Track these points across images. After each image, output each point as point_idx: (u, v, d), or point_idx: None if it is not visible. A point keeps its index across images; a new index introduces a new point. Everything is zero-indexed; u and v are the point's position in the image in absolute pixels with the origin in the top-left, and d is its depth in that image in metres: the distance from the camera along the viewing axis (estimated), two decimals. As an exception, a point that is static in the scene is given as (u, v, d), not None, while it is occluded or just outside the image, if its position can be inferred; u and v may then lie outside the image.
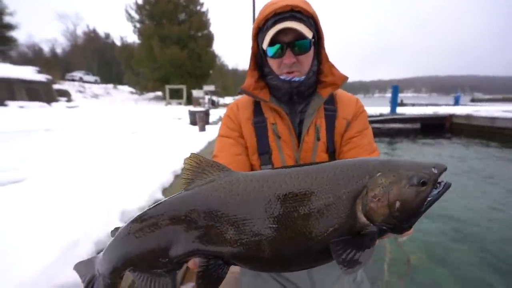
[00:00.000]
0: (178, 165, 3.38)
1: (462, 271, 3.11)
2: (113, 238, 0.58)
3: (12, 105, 15.84)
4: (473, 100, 35.82)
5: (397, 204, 0.46)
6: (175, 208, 0.52)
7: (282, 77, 1.00)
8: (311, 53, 0.98)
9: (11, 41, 30.64)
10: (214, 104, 27.27)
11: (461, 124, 13.64)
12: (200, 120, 7.45)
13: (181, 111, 16.23)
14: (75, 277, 0.65)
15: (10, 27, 29.18)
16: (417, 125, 15.11)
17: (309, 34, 0.91)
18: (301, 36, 0.92)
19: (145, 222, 0.53)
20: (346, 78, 1.04)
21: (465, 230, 4.03)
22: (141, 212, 0.55)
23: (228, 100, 36.49)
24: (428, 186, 0.47)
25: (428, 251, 3.52)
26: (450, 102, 27.05)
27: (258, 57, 1.08)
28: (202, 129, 7.51)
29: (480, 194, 5.41)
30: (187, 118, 10.41)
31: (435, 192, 0.49)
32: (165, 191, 2.67)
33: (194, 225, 0.50)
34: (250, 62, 1.09)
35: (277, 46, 0.94)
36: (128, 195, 2.18)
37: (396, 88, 16.67)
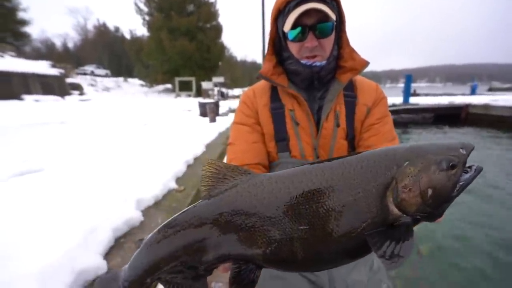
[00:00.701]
0: (190, 155, 3.41)
1: (473, 263, 3.06)
2: (139, 248, 0.56)
3: (28, 98, 16.29)
4: (490, 89, 34.42)
5: (429, 191, 0.45)
6: (202, 214, 0.51)
7: (303, 61, 0.97)
8: (332, 37, 0.95)
9: (25, 37, 31.38)
10: (223, 96, 27.29)
11: (478, 114, 13.07)
12: (210, 111, 7.47)
13: (190, 103, 16.33)
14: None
15: (23, 22, 29.84)
16: (431, 116, 14.71)
17: (332, 16, 0.88)
18: (324, 18, 0.88)
19: (173, 229, 0.52)
20: (367, 63, 1.01)
21: (479, 222, 3.95)
22: (167, 220, 0.54)
23: (237, 91, 36.42)
24: (458, 168, 0.46)
25: (440, 242, 3.48)
26: (466, 91, 26.08)
27: (277, 41, 1.04)
28: (213, 120, 7.54)
29: (497, 186, 5.26)
30: (197, 110, 10.45)
31: (466, 176, 0.47)
32: (178, 180, 2.71)
33: (223, 229, 0.49)
34: (268, 47, 1.06)
35: (299, 29, 0.91)
36: (142, 184, 2.22)
37: (409, 77, 16.16)
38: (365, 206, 0.46)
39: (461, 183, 0.47)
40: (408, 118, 14.40)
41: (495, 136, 10.41)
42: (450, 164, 0.45)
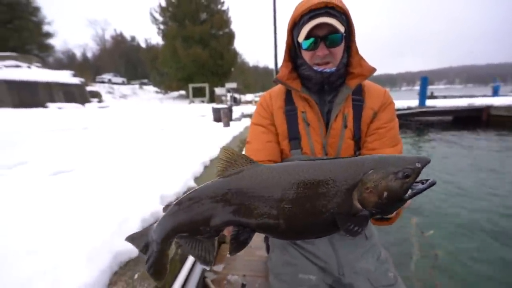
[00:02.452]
0: (207, 157, 3.56)
1: (490, 266, 3.01)
2: (165, 212, 0.73)
3: (52, 106, 17.18)
4: (514, 90, 32.79)
5: (385, 194, 0.59)
6: (215, 190, 0.67)
7: (315, 68, 1.07)
8: (342, 46, 1.05)
9: (49, 48, 33.16)
10: (236, 101, 27.56)
11: (500, 116, 12.41)
12: (224, 116, 7.65)
13: (204, 109, 16.65)
14: (128, 245, 0.81)
15: (48, 35, 31.59)
16: (449, 118, 14.23)
17: (341, 28, 0.99)
18: (334, 30, 0.99)
19: (191, 200, 0.68)
20: (374, 69, 1.10)
21: (496, 225, 3.85)
22: (187, 193, 0.71)
23: (249, 97, 36.66)
24: (411, 177, 0.60)
25: (456, 245, 3.43)
26: (487, 93, 24.98)
27: (292, 50, 1.16)
28: (227, 124, 7.71)
29: None
30: (210, 115, 10.67)
31: (420, 186, 0.61)
32: (196, 179, 2.86)
33: (229, 203, 0.65)
34: (285, 54, 1.17)
35: (312, 39, 1.02)
36: (165, 183, 2.37)
37: (425, 79, 15.71)
38: (335, 199, 0.61)
39: (414, 191, 0.61)
40: (425, 121, 13.99)
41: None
42: (405, 174, 0.59)
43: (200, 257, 0.68)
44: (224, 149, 0.69)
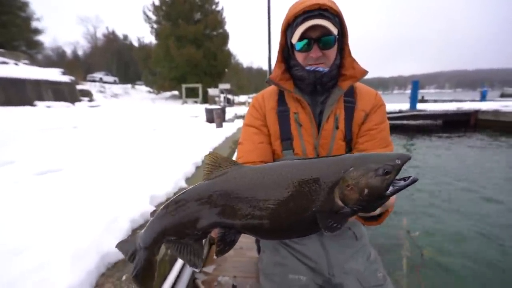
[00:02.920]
0: (198, 157, 3.54)
1: (477, 265, 3.09)
2: (152, 217, 0.73)
3: (40, 105, 16.77)
4: (502, 95, 33.70)
5: (366, 191, 0.60)
6: (200, 193, 0.67)
7: (307, 67, 1.07)
8: (335, 48, 1.06)
9: (38, 45, 32.43)
10: (229, 102, 27.52)
11: (488, 120, 12.88)
12: (217, 116, 7.64)
13: (197, 109, 16.57)
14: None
15: (37, 31, 30.90)
16: (438, 122, 14.54)
17: (334, 30, 0.99)
18: (327, 32, 0.99)
19: (178, 203, 0.68)
20: (366, 72, 1.11)
21: (482, 226, 3.96)
22: (174, 197, 0.70)
23: (243, 98, 36.68)
24: (392, 174, 0.60)
25: (443, 245, 3.50)
26: (476, 97, 25.66)
27: (285, 51, 1.16)
28: (220, 125, 7.69)
29: (504, 194, 5.23)
30: (203, 116, 10.63)
31: (402, 183, 0.61)
32: (188, 180, 2.84)
33: (214, 204, 0.65)
34: (278, 55, 1.17)
35: (305, 41, 1.02)
36: (155, 183, 2.35)
37: (416, 83, 16.06)
38: (317, 197, 0.61)
39: (395, 187, 0.61)
40: (416, 125, 14.27)
41: (505, 142, 10.27)
42: (385, 171, 0.59)
43: (189, 261, 0.68)
44: (209, 154, 0.70)
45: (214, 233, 0.68)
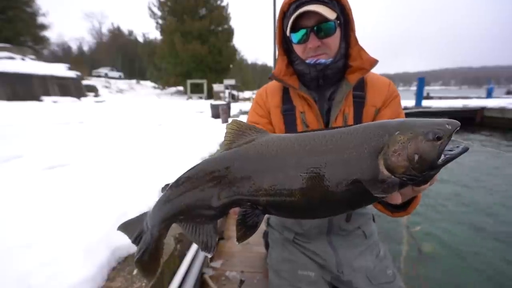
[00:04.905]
0: (205, 152, 3.56)
1: (476, 260, 3.08)
2: (163, 193, 0.65)
3: (47, 100, 16.94)
4: (509, 93, 33.18)
5: (416, 157, 0.51)
6: (216, 164, 0.59)
7: (307, 61, 0.99)
8: (337, 35, 0.96)
9: (44, 40, 32.62)
10: (234, 98, 27.47)
11: (494, 117, 12.71)
12: (223, 112, 7.65)
13: (202, 105, 16.57)
14: (127, 240, 0.76)
15: (43, 27, 31.07)
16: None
17: (331, 15, 0.89)
18: (323, 19, 0.90)
19: (190, 178, 0.61)
20: (376, 61, 1.00)
21: (482, 223, 3.94)
22: (188, 170, 0.62)
23: (247, 94, 36.58)
24: (443, 139, 0.52)
25: (443, 241, 3.49)
26: (482, 95, 25.28)
27: (284, 42, 1.07)
28: (225, 121, 7.71)
29: (507, 192, 5.18)
30: (208, 112, 10.63)
31: (454, 151, 0.53)
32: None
33: (234, 177, 0.57)
34: (278, 48, 1.08)
35: (301, 31, 0.93)
36: (163, 177, 2.36)
37: (421, 80, 15.85)
38: (357, 165, 0.52)
39: (447, 156, 0.53)
40: (421, 121, 14.15)
41: (511, 140, 10.14)
42: (436, 136, 0.51)
43: (201, 243, 0.60)
44: (231, 122, 0.63)
45: (234, 212, 0.61)
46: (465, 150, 0.53)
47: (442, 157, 0.52)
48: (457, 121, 0.55)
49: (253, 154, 0.57)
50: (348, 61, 1.03)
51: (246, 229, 0.56)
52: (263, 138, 0.60)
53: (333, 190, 0.53)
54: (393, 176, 0.52)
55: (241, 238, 0.56)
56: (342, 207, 0.58)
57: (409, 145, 0.51)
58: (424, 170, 0.52)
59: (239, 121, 0.63)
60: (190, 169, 0.62)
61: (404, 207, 0.85)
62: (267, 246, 1.41)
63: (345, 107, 1.02)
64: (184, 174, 0.63)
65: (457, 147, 0.54)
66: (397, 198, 0.58)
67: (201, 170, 0.60)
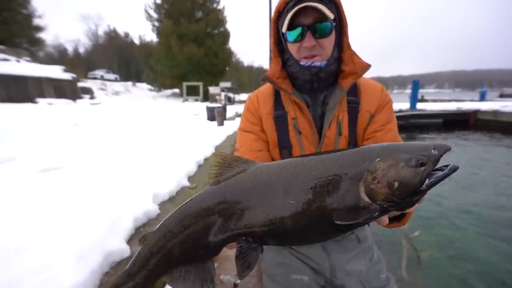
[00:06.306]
0: (200, 156, 3.55)
1: (476, 266, 3.09)
2: (142, 246, 0.57)
3: (42, 102, 16.78)
4: (501, 96, 33.67)
5: (396, 184, 0.51)
6: (209, 199, 0.57)
7: (302, 62, 0.96)
8: (332, 37, 0.94)
9: (40, 42, 32.35)
10: (230, 101, 27.48)
11: (487, 120, 12.90)
12: (219, 115, 7.63)
13: (198, 107, 16.54)
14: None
15: (39, 29, 30.81)
16: (438, 122, 14.56)
17: (330, 15, 0.87)
18: (322, 18, 0.88)
19: (181, 219, 0.57)
20: (368, 66, 0.98)
21: (480, 227, 3.96)
22: (173, 211, 0.59)
23: (243, 96, 36.63)
24: (427, 166, 0.51)
25: (441, 248, 3.51)
26: (475, 98, 25.63)
27: (279, 43, 1.04)
28: (221, 123, 7.69)
29: (504, 194, 5.24)
30: (204, 114, 10.60)
31: (439, 173, 0.52)
32: (190, 178, 2.84)
33: (228, 211, 0.56)
34: (273, 49, 1.05)
35: (298, 29, 0.91)
36: (158, 181, 2.36)
37: (416, 83, 15.97)
38: (340, 192, 0.53)
39: (432, 180, 0.52)
40: (416, 124, 14.28)
41: (504, 142, 10.27)
42: (419, 162, 0.51)
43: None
44: (215, 155, 0.62)
45: (230, 246, 0.58)
46: (454, 170, 0.52)
47: (427, 181, 0.52)
48: (447, 145, 0.54)
49: (244, 186, 0.57)
50: (341, 66, 1.01)
51: (246, 264, 0.55)
52: (251, 168, 0.60)
53: (320, 214, 0.53)
54: (374, 204, 0.52)
55: (242, 273, 0.54)
56: (333, 232, 0.58)
57: (389, 173, 0.51)
58: (405, 197, 0.52)
59: (223, 153, 0.62)
60: (178, 208, 0.58)
61: (398, 219, 0.85)
62: (261, 250, 1.40)
63: (339, 112, 1.00)
64: (166, 220, 0.58)
65: (446, 166, 0.53)
66: (384, 220, 0.57)
67: (190, 209, 0.57)
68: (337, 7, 0.93)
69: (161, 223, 0.58)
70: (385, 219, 0.57)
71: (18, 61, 20.14)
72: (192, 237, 0.56)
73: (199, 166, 3.36)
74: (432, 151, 0.52)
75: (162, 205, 2.11)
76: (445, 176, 0.52)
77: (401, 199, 0.52)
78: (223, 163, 0.61)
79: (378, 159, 0.53)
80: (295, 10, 0.87)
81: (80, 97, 21.67)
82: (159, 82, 37.52)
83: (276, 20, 0.99)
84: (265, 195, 0.56)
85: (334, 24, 0.92)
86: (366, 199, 0.52)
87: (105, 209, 1.67)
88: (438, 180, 0.52)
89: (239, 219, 0.55)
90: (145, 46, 42.22)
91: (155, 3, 35.42)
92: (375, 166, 0.52)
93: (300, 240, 0.62)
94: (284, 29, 0.92)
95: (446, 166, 0.53)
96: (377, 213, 0.52)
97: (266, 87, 1.13)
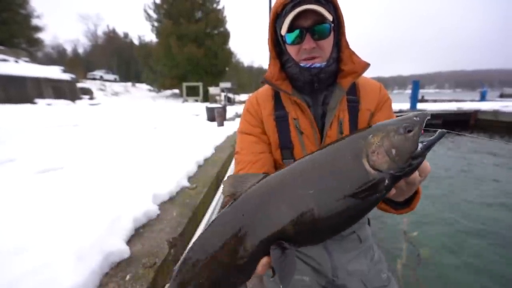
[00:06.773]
0: (200, 156, 3.54)
1: (474, 265, 3.10)
2: (174, 279, 0.57)
3: (41, 102, 16.72)
4: (502, 96, 33.64)
5: (393, 151, 0.57)
6: (233, 214, 0.58)
7: (302, 64, 0.96)
8: (331, 38, 0.94)
9: (38, 43, 32.31)
10: (230, 101, 27.49)
11: (487, 120, 12.90)
12: (219, 115, 7.62)
13: (198, 108, 16.53)
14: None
15: (37, 29, 30.78)
16: (438, 122, 14.58)
17: (329, 17, 0.88)
18: (321, 19, 0.88)
19: (210, 240, 0.58)
20: (367, 65, 0.99)
21: (478, 226, 3.97)
22: (200, 233, 0.62)
23: (243, 97, 36.67)
24: (415, 130, 0.58)
25: (441, 246, 3.51)
26: (475, 98, 25.65)
27: (277, 45, 1.04)
28: (221, 124, 7.68)
29: (500, 192, 5.24)
30: (204, 115, 10.60)
31: (430, 138, 0.58)
32: (190, 179, 2.83)
33: (253, 219, 0.56)
34: (271, 51, 1.05)
35: (296, 32, 0.91)
36: (158, 181, 2.35)
37: (416, 83, 15.98)
38: (350, 173, 0.58)
39: (425, 143, 0.58)
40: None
41: (507, 140, 10.29)
42: (407, 129, 0.58)
43: None
44: (228, 177, 0.64)
45: (262, 266, 0.56)
46: (442, 135, 0.58)
47: (420, 145, 0.58)
48: (426, 112, 0.61)
49: (262, 192, 0.59)
50: (340, 66, 1.02)
51: (287, 270, 0.53)
52: (263, 177, 0.62)
53: (342, 199, 0.56)
54: (381, 173, 0.57)
55: (284, 281, 0.53)
56: (358, 213, 0.60)
57: (384, 143, 0.58)
58: (406, 160, 0.57)
59: (235, 175, 0.65)
60: (199, 237, 0.59)
61: (407, 203, 0.87)
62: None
63: (339, 111, 1.01)
64: (193, 245, 0.58)
65: (435, 133, 0.59)
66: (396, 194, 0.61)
67: (216, 229, 0.58)
68: (334, 7, 0.93)
69: (185, 254, 0.58)
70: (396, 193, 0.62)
71: (16, 61, 20.09)
72: (224, 255, 0.55)
73: (199, 167, 3.35)
74: (414, 118, 0.59)
75: (162, 205, 2.10)
76: (435, 140, 0.58)
77: (404, 163, 0.57)
78: (235, 182, 0.63)
79: (371, 135, 0.59)
80: (296, 14, 0.87)
81: (79, 98, 21.62)
82: (159, 83, 37.50)
83: (274, 22, 0.99)
84: (284, 193, 0.58)
85: (332, 25, 0.93)
86: (373, 171, 0.57)
87: (104, 209, 1.66)
88: (430, 143, 0.58)
89: (267, 223, 0.56)
90: (144, 46, 42.23)
91: (155, 3, 35.42)
92: (370, 142, 0.59)
93: (330, 230, 0.61)
94: (283, 31, 0.92)
95: (435, 131, 0.59)
96: (387, 181, 0.57)
97: (265, 89, 1.13)
